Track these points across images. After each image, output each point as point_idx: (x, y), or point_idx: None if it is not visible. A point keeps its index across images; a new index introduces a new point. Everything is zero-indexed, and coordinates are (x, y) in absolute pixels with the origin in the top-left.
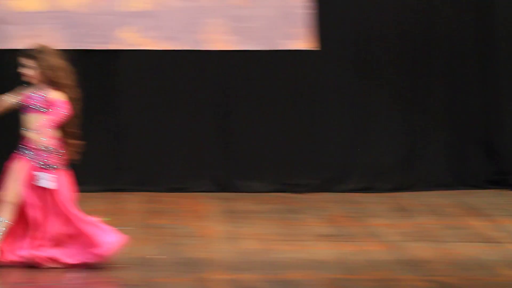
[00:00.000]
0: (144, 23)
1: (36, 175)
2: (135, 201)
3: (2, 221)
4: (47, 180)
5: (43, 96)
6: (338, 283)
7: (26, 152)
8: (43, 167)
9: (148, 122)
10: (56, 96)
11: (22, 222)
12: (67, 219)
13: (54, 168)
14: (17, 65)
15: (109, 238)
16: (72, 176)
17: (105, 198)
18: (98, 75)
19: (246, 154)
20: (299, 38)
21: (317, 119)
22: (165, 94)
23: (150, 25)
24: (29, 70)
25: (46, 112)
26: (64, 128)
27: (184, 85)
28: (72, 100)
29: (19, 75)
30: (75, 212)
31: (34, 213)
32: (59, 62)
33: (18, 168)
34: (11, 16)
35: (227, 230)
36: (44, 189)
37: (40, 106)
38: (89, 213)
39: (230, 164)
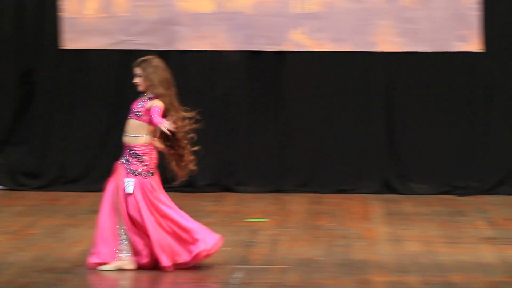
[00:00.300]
0: (312, 25)
1: (125, 181)
2: (299, 202)
3: (122, 228)
4: (131, 186)
5: (143, 103)
6: (501, 286)
7: (123, 158)
8: (132, 173)
9: (313, 123)
10: (154, 104)
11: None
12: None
13: (141, 175)
14: (188, 66)
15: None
16: (159, 181)
17: (268, 199)
18: (265, 76)
19: (411, 156)
20: (469, 40)
21: (481, 122)
22: (330, 95)
23: (317, 27)
24: (137, 78)
25: (143, 119)
26: (169, 139)
27: (349, 86)
28: (171, 110)
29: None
30: (170, 214)
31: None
32: (162, 74)
33: (117, 175)
34: (180, 17)
35: (390, 232)
36: (129, 194)
37: (139, 112)
38: (253, 214)
39: (395, 166)
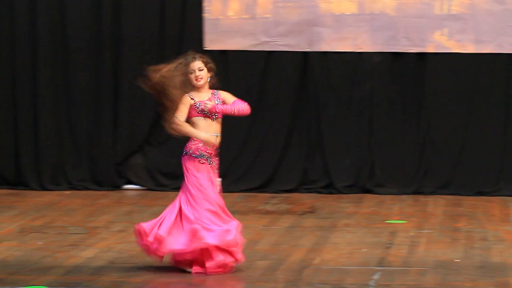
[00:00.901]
0: (454, 26)
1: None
2: (438, 204)
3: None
4: (220, 184)
5: (216, 100)
6: None
7: (209, 158)
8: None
9: (454, 125)
10: (227, 96)
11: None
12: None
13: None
14: (329, 68)
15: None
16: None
17: (408, 201)
18: (407, 77)
19: None
20: None
21: None
22: (471, 97)
23: (459, 28)
24: (199, 72)
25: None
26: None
27: (490, 88)
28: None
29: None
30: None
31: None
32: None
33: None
34: (322, 18)
35: None
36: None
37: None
38: (392, 216)
39: None
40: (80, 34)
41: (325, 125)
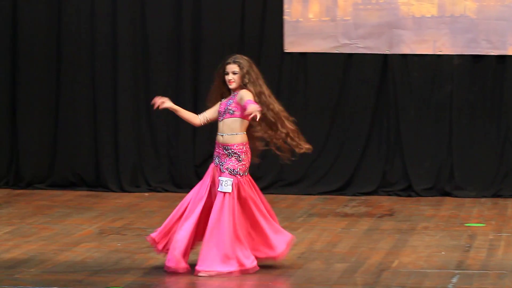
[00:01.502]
0: None
1: (222, 180)
2: None
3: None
4: (229, 185)
5: (232, 100)
6: None
7: (216, 158)
8: (229, 172)
9: None
10: (244, 95)
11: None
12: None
13: (239, 174)
14: (409, 70)
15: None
16: (252, 180)
17: (487, 204)
18: (487, 80)
19: None
20: None
21: None
22: None
23: None
24: (232, 75)
25: (236, 114)
26: (251, 133)
27: None
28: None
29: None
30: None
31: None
32: (257, 71)
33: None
34: (402, 21)
35: None
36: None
37: (231, 110)
38: (471, 219)
39: None
40: (160, 37)
41: (404, 128)
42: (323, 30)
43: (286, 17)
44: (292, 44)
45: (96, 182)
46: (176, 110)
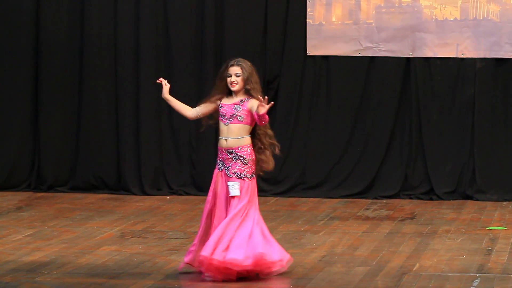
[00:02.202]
0: None
1: (230, 185)
2: None
3: None
4: (236, 189)
5: (240, 107)
6: None
7: (220, 163)
8: (236, 176)
9: None
10: (253, 104)
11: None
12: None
13: (246, 177)
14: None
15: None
16: (257, 185)
17: (508, 208)
18: (510, 83)
19: None
20: None
21: None
22: None
23: None
24: (235, 77)
25: (244, 121)
26: (259, 138)
27: None
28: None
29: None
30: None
31: (218, 222)
32: (257, 75)
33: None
34: (425, 24)
35: None
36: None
37: (240, 116)
38: (492, 222)
39: None
40: (183, 41)
41: (427, 131)
42: (345, 34)
43: (309, 21)
44: (315, 47)
45: (117, 185)
46: (168, 100)
